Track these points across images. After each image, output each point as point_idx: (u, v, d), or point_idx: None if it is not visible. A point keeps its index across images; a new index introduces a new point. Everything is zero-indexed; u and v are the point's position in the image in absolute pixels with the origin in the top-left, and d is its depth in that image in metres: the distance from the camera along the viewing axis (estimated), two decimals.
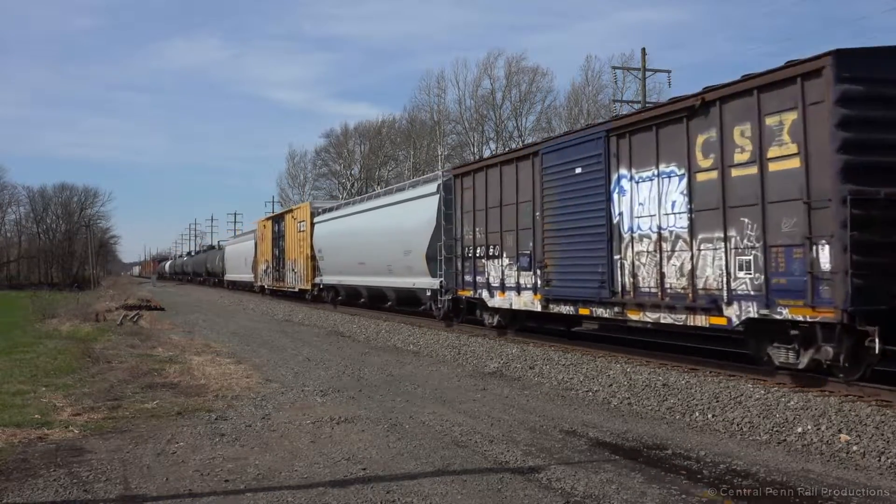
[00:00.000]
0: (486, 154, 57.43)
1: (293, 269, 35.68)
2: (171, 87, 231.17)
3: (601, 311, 13.12)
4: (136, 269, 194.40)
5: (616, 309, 12.65)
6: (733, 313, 10.24)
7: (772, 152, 9.59)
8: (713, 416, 9.11)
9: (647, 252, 11.85)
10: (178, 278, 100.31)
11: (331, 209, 32.05)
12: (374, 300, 26.73)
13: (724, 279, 10.31)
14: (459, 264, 18.20)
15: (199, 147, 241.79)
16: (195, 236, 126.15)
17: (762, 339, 10.27)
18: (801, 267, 9.20)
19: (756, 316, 9.90)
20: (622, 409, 10.01)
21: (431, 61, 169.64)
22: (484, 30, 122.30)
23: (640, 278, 12.03)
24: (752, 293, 9.92)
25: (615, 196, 12.56)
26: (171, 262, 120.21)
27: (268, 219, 43.25)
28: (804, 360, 9.58)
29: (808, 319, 9.22)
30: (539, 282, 14.74)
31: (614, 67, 41.00)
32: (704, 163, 10.67)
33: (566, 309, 14.14)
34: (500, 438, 8.12)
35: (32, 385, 11.61)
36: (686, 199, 10.99)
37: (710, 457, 7.40)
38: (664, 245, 11.49)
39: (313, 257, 31.91)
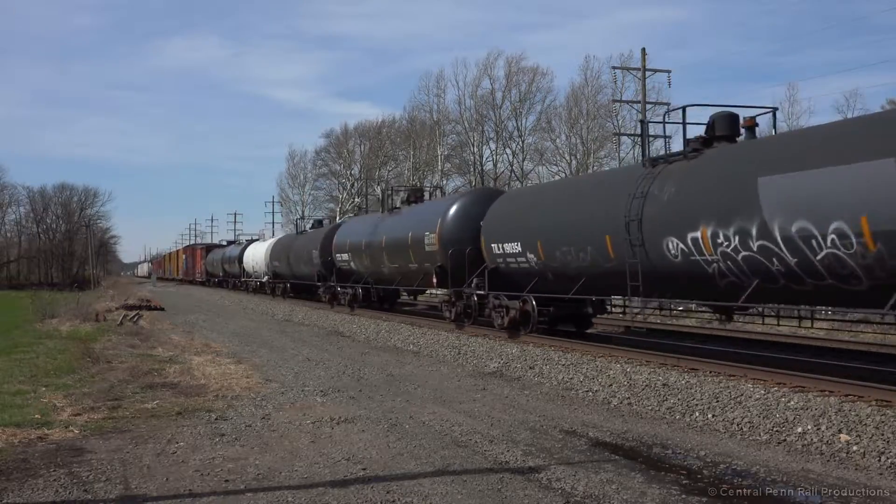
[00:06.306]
0: (486, 154, 57.48)
1: None
2: (171, 86, 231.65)
3: None
4: (145, 267, 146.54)
5: None
6: None
7: None
8: (713, 416, 9.11)
9: None
10: (291, 291, 37.56)
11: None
12: None
13: None
14: None
15: (199, 147, 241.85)
16: (195, 236, 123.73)
17: None
18: None
19: None
20: (622, 409, 10.01)
21: (431, 61, 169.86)
22: (484, 29, 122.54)
23: None
24: None
25: None
26: (255, 245, 47.70)
27: None
28: None
29: None
30: None
31: (614, 67, 40.92)
32: None
33: None
34: (500, 438, 8.12)
35: (32, 385, 11.61)
36: None
37: (710, 457, 7.40)
38: None
39: None
